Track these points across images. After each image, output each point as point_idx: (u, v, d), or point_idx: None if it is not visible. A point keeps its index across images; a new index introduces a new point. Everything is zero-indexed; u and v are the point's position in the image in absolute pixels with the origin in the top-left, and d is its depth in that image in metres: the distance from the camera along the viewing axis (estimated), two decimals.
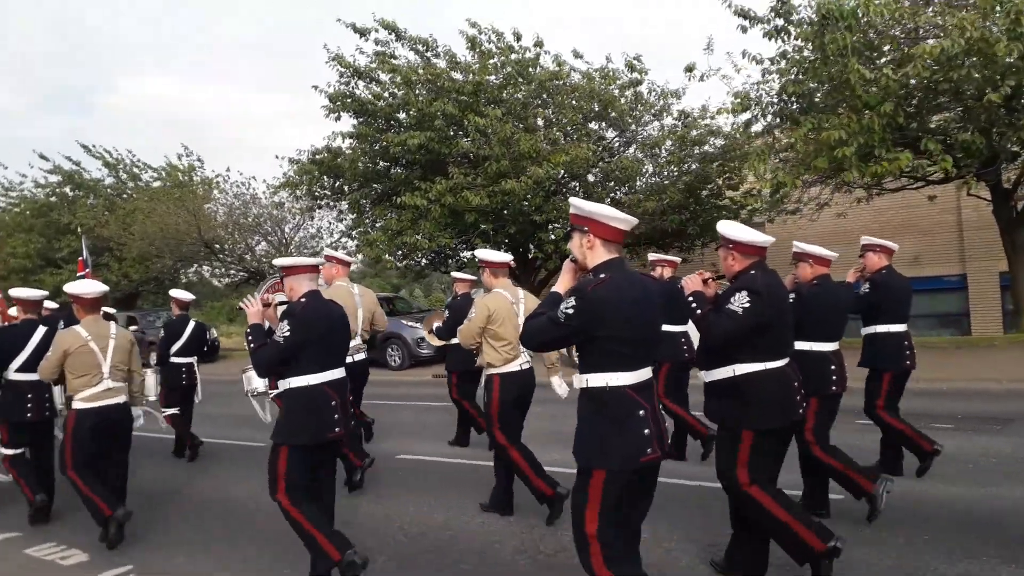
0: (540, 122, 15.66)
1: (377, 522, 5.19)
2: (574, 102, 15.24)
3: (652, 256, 6.96)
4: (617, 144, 16.60)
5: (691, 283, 3.73)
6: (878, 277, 5.39)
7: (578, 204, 2.98)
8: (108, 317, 5.51)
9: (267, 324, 4.18)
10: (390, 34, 15.37)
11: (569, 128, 15.55)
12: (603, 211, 2.90)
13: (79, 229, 22.24)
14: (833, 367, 4.54)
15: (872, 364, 5.43)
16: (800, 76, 10.73)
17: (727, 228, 3.70)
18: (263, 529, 4.95)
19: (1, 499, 6.08)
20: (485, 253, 5.36)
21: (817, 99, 10.89)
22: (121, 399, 5.05)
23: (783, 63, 10.98)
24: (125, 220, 24.14)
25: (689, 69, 15.30)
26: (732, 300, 3.45)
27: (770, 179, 10.85)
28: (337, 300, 5.21)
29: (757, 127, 12.91)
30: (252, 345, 3.99)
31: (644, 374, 2.85)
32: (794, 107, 11.28)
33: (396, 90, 15.04)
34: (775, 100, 11.83)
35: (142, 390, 5.50)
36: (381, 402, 10.55)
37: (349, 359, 5.71)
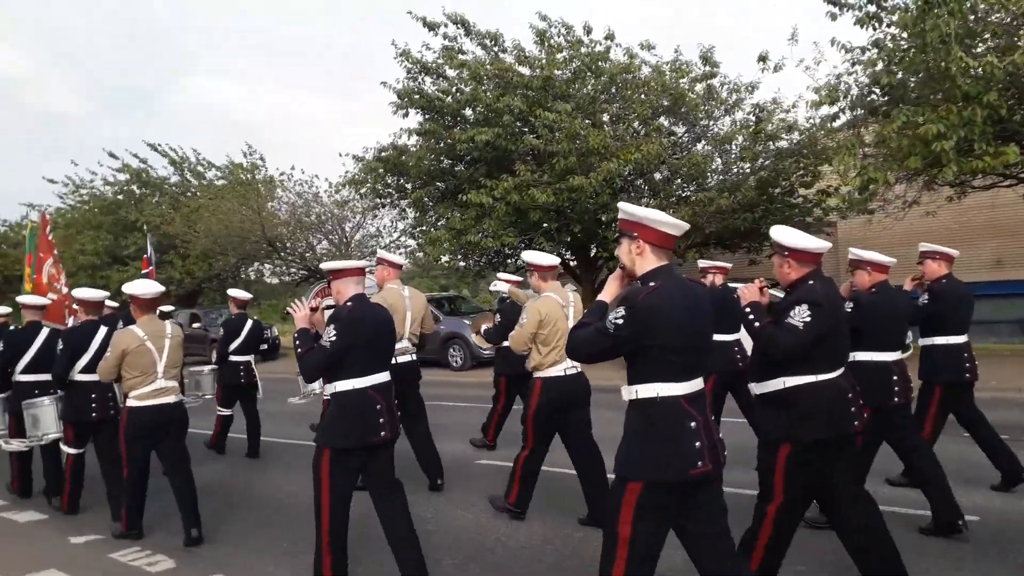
0: (606, 117, 15.33)
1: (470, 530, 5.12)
2: (643, 96, 14.86)
3: (702, 263, 6.80)
4: (686, 140, 16.13)
5: (748, 293, 3.64)
6: (937, 286, 5.20)
7: (628, 209, 2.92)
8: (164, 316, 5.56)
9: (314, 329, 4.16)
10: (459, 28, 15.22)
11: (637, 123, 15.16)
12: (653, 216, 2.83)
13: (145, 227, 22.63)
14: (895, 377, 4.44)
15: (929, 377, 5.23)
16: (893, 66, 10.16)
17: (782, 234, 3.56)
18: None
19: (85, 499, 6.03)
20: (533, 255, 5.25)
21: (910, 90, 10.29)
22: (173, 398, 5.09)
23: (876, 52, 10.42)
24: (190, 217, 24.50)
25: (762, 59, 14.74)
26: (792, 313, 3.35)
27: (858, 175, 10.27)
28: (388, 302, 5.32)
29: (841, 120, 12.32)
30: (299, 350, 3.98)
31: (695, 384, 2.77)
32: (885, 98, 10.70)
33: (464, 86, 14.84)
34: (864, 91, 11.25)
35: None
36: (443, 403, 10.42)
37: (393, 360, 5.87)
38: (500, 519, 5.23)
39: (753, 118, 15.03)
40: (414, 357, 6.22)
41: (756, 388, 3.63)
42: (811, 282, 3.45)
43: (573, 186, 13.70)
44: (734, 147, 15.66)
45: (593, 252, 16.67)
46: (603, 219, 14.60)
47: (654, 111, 14.86)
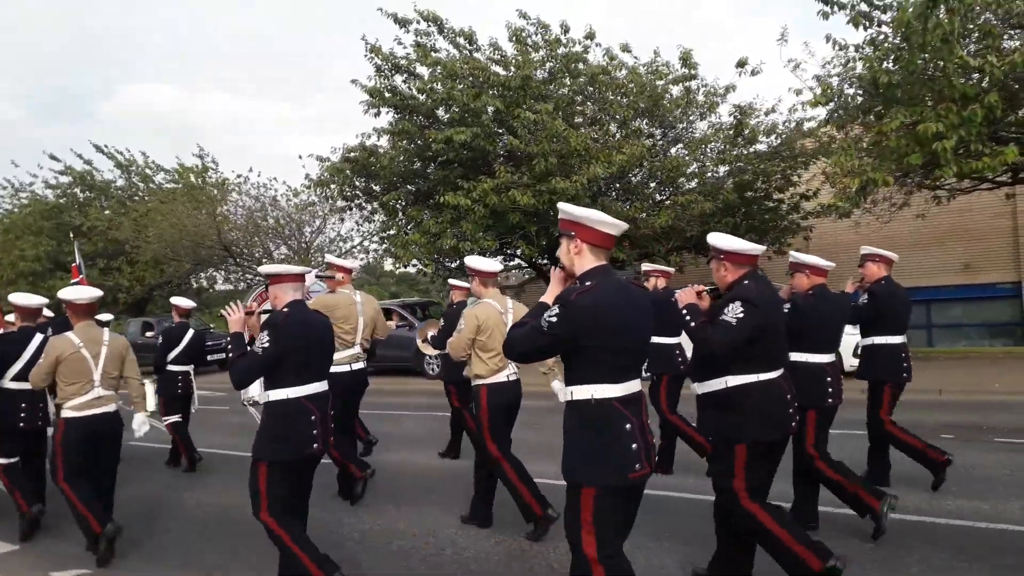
0: (580, 120, 15.00)
1: (374, 536, 5.11)
2: (622, 98, 14.56)
3: (645, 266, 6.83)
4: (663, 143, 15.89)
5: (685, 296, 3.76)
6: (877, 287, 5.38)
7: (566, 209, 2.90)
8: (101, 325, 5.35)
9: (250, 333, 4.07)
10: (431, 25, 14.68)
11: (614, 126, 14.87)
12: (592, 216, 2.82)
13: (71, 235, 21.37)
14: (829, 379, 4.52)
15: (870, 376, 5.43)
16: (888, 64, 10.01)
17: (717, 239, 3.65)
18: (260, 544, 4.48)
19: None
20: (475, 261, 5.21)
21: (905, 89, 10.15)
22: (111, 408, 4.96)
23: (871, 50, 10.26)
24: (139, 222, 23.39)
25: (741, 64, 14.67)
26: (726, 311, 3.42)
27: (857, 176, 10.08)
28: (339, 308, 5.38)
29: (827, 119, 12.19)
30: (231, 355, 3.87)
31: (632, 386, 2.76)
32: (879, 98, 10.55)
33: (438, 84, 14.29)
34: (857, 90, 11.12)
35: (143, 396, 5.40)
36: (418, 412, 10.20)
37: (347, 368, 5.79)
38: (456, 528, 5.18)
39: (733, 120, 14.83)
40: (364, 364, 6.16)
41: (698, 388, 3.68)
42: (746, 282, 3.53)
43: (555, 188, 13.30)
44: (710, 150, 15.50)
45: None
46: None
47: (635, 112, 14.56)
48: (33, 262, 24.75)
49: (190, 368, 7.91)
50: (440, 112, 14.94)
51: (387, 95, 14.59)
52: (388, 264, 19.67)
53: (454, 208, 13.97)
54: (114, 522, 4.78)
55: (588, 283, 2.76)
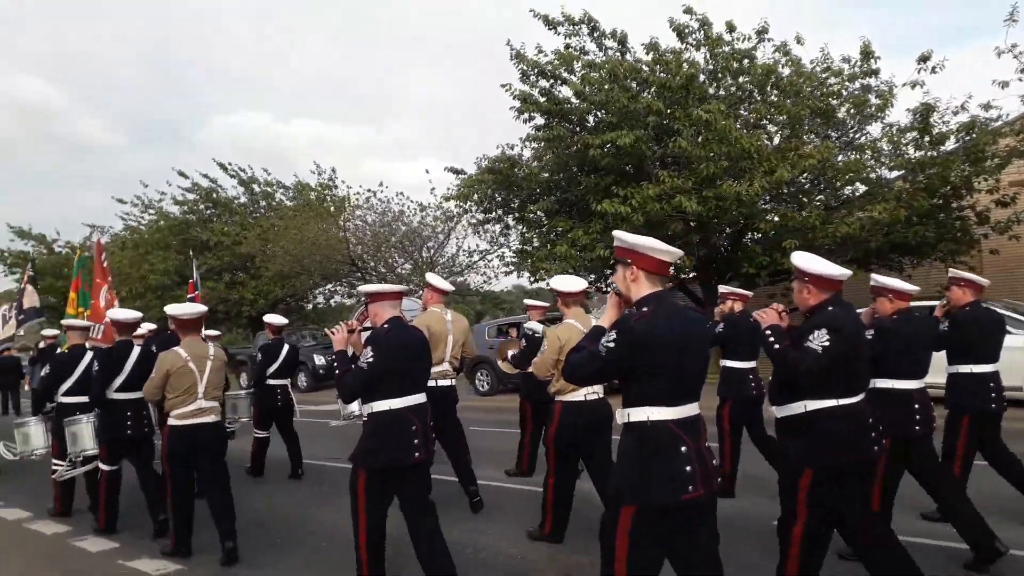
0: (738, 124, 13.93)
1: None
2: (789, 98, 13.45)
3: (723, 288, 6.75)
4: (837, 145, 14.62)
5: (768, 316, 3.70)
6: (960, 314, 5.18)
7: (621, 236, 2.97)
8: (205, 339, 5.72)
9: (351, 351, 4.24)
10: (582, 27, 13.95)
11: (773, 127, 13.77)
12: (647, 243, 2.88)
13: (190, 252, 21.50)
14: (917, 406, 4.43)
15: (951, 405, 5.18)
16: None
17: (802, 260, 3.62)
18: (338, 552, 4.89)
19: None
20: (560, 281, 5.30)
21: None
22: (212, 418, 5.18)
23: None
24: (263, 236, 23.50)
25: (923, 59, 13.36)
26: (812, 337, 3.40)
27: None
28: (430, 326, 5.64)
29: None
30: (338, 371, 4.07)
31: (688, 409, 2.80)
32: None
33: (594, 87, 13.48)
34: None
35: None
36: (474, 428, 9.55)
37: (432, 383, 5.56)
38: (538, 547, 5.17)
39: (919, 118, 13.45)
40: (453, 382, 6.28)
41: (776, 412, 3.64)
42: (830, 308, 3.50)
43: (722, 194, 12.30)
44: (885, 153, 14.14)
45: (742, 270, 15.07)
46: (752, 231, 13.19)
47: (812, 113, 13.39)
48: (162, 276, 25.20)
49: (287, 381, 8.33)
50: (590, 118, 14.16)
51: (541, 100, 13.86)
52: (503, 279, 18.78)
53: (602, 218, 13.16)
54: (229, 545, 5.02)
55: (645, 309, 2.81)
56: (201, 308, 5.48)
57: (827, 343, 3.34)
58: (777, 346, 3.56)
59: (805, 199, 13.79)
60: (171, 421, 5.10)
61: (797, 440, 3.51)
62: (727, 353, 6.26)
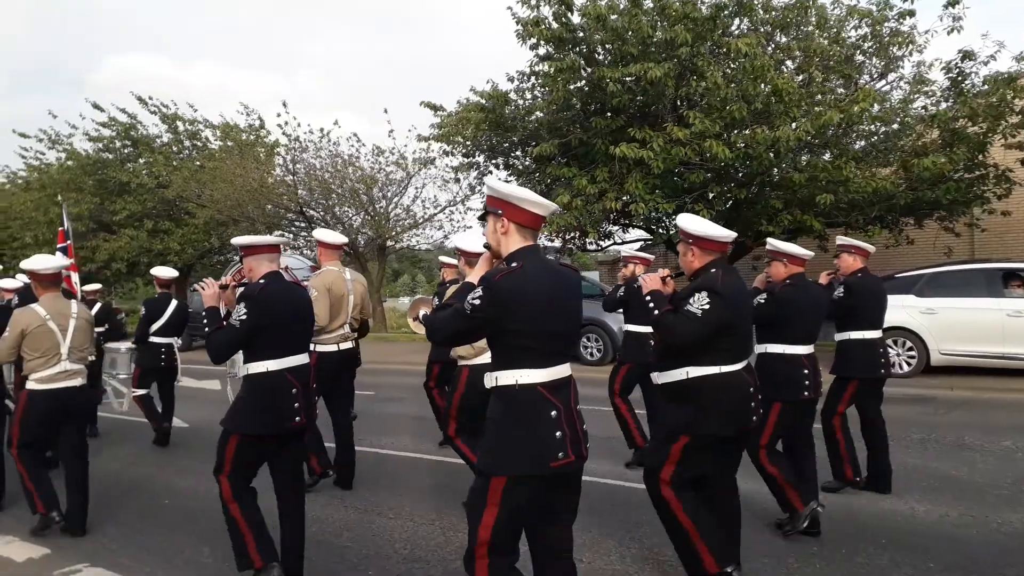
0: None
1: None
2: (830, 36, 12.23)
3: (625, 252, 6.69)
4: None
5: (649, 281, 3.69)
6: (853, 280, 5.29)
7: (493, 184, 2.84)
8: (69, 296, 5.31)
9: (224, 308, 3.96)
10: None
11: (817, 68, 12.51)
12: (519, 193, 2.75)
13: (58, 196, 18.66)
14: (806, 371, 4.44)
15: (843, 372, 5.31)
16: None
17: (688, 222, 3.59)
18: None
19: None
20: (462, 240, 5.33)
21: None
22: (78, 382, 4.91)
23: None
24: (192, 179, 20.88)
25: (952, 3, 12.31)
26: (691, 301, 3.36)
27: None
28: (331, 286, 5.55)
29: None
30: (208, 329, 3.80)
31: (559, 371, 2.70)
32: None
33: (607, 15, 11.82)
34: None
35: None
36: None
37: (334, 347, 5.70)
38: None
39: (955, 67, 12.43)
40: (354, 344, 6.05)
41: (658, 378, 3.61)
42: (713, 270, 3.47)
43: (755, 139, 11.00)
44: (918, 101, 13.10)
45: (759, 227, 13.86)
46: (771, 185, 11.95)
47: (847, 54, 12.17)
48: (74, 221, 22.18)
49: (173, 340, 7.81)
50: (600, 50, 12.53)
51: (553, 25, 12.08)
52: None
53: (607, 163, 11.66)
54: (60, 513, 4.81)
55: (514, 264, 2.67)
56: (61, 261, 5.12)
57: (707, 307, 3.31)
58: (656, 312, 3.51)
59: (835, 149, 12.59)
60: (30, 384, 4.76)
61: (676, 408, 3.49)
62: (629, 318, 6.25)
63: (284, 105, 19.23)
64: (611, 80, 11.40)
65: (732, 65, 11.62)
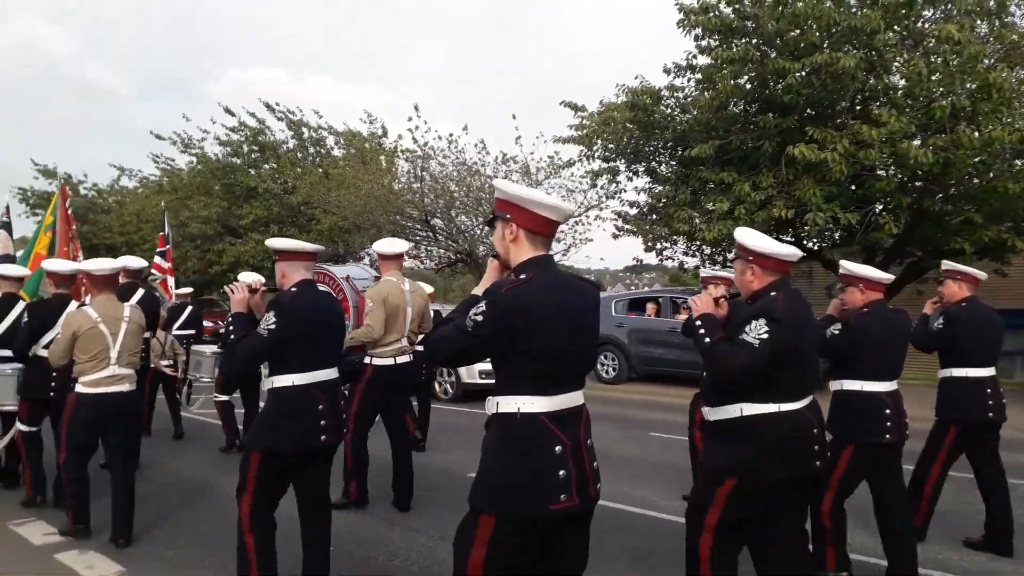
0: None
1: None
2: None
3: (704, 273, 6.17)
4: None
5: (700, 304, 3.32)
6: (955, 310, 4.77)
7: (501, 186, 2.54)
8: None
9: (251, 314, 3.80)
10: None
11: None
12: (530, 196, 2.47)
13: (162, 204, 19.40)
14: (888, 411, 3.98)
15: (939, 412, 4.81)
16: None
17: (746, 236, 3.25)
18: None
19: None
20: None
21: None
22: (127, 387, 4.79)
23: None
24: (318, 186, 20.66)
25: None
26: (748, 329, 2.99)
27: None
28: (387, 297, 5.45)
29: None
30: (233, 335, 3.61)
31: (568, 400, 2.39)
32: None
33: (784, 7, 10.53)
34: None
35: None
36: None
37: (391, 361, 5.51)
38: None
39: None
40: (412, 357, 5.77)
41: (709, 414, 3.27)
42: (773, 293, 3.12)
43: (959, 142, 9.44)
44: None
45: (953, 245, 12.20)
46: (979, 195, 10.30)
47: None
48: (203, 224, 22.49)
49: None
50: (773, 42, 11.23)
51: (723, 10, 10.88)
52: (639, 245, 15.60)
53: (772, 168, 10.27)
54: (88, 527, 4.81)
55: (523, 276, 2.39)
56: (116, 263, 5.03)
57: (765, 335, 2.93)
58: (708, 339, 3.15)
59: None
60: (79, 388, 4.69)
61: (727, 446, 3.13)
62: None
63: (416, 109, 18.57)
64: (790, 72, 10.09)
65: (932, 56, 10.11)
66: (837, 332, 4.08)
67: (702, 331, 3.19)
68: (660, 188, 13.70)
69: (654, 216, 13.89)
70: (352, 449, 5.52)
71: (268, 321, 3.53)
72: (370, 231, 19.04)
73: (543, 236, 2.49)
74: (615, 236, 15.76)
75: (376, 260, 5.82)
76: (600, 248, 77.59)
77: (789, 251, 3.20)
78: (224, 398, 7.47)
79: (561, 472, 2.31)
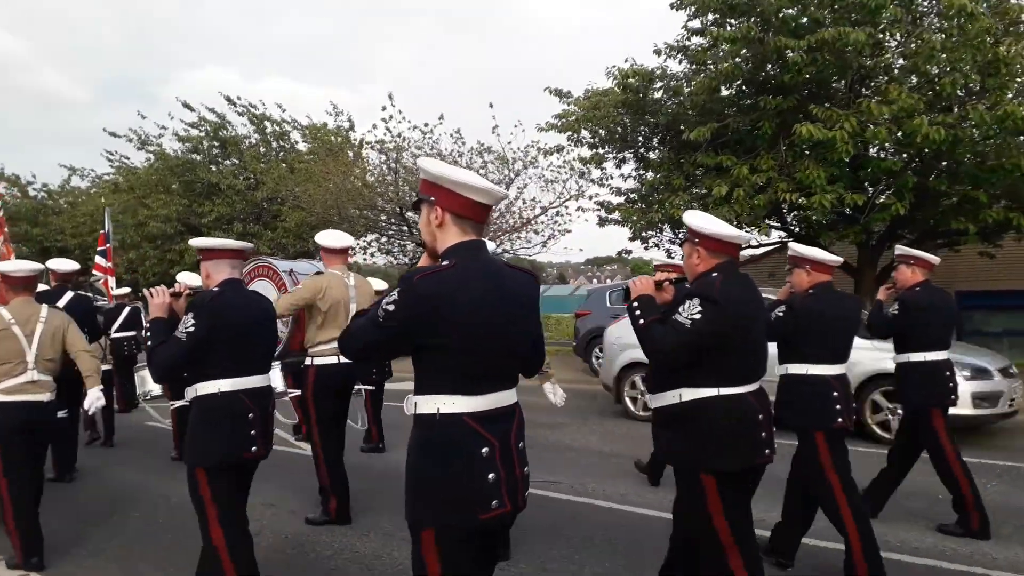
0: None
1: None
2: None
3: (657, 261, 6.25)
4: None
5: (640, 285, 3.19)
6: (909, 296, 4.80)
7: (426, 166, 2.28)
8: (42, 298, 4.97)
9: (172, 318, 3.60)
10: None
11: None
12: (456, 176, 2.22)
13: (102, 200, 18.58)
14: (836, 394, 3.92)
15: (914, 400, 4.80)
16: None
17: (694, 218, 3.16)
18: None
19: None
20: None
21: None
22: (45, 396, 4.45)
23: None
24: (295, 179, 19.80)
25: None
26: (680, 309, 2.90)
27: None
28: (328, 290, 5.13)
29: None
30: (151, 344, 3.42)
31: (496, 399, 2.18)
32: None
33: None
34: None
35: (96, 370, 4.73)
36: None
37: (334, 359, 5.09)
38: None
39: None
40: None
41: (651, 401, 3.18)
42: (713, 275, 3.01)
43: (966, 117, 9.14)
44: None
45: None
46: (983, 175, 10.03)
47: None
48: (163, 223, 21.45)
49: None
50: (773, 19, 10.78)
51: None
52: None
53: (771, 150, 9.87)
54: (42, 561, 4.37)
55: (446, 262, 2.15)
56: (36, 265, 4.74)
57: (697, 315, 2.83)
58: (642, 320, 3.03)
59: None
60: None
61: (678, 439, 3.00)
62: None
63: (391, 98, 17.80)
64: (794, 50, 9.66)
65: (938, 32, 9.77)
66: (781, 314, 4.02)
67: (637, 312, 3.08)
68: (650, 175, 13.20)
69: (642, 205, 13.39)
70: (324, 461, 5.09)
71: (186, 324, 3.30)
72: (341, 225, 18.28)
73: (472, 221, 2.25)
74: (600, 224, 15.26)
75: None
76: (574, 240, 76.75)
77: (736, 233, 3.11)
78: (181, 403, 7.07)
79: (490, 475, 2.12)
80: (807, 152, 10.71)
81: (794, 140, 9.94)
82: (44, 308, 4.61)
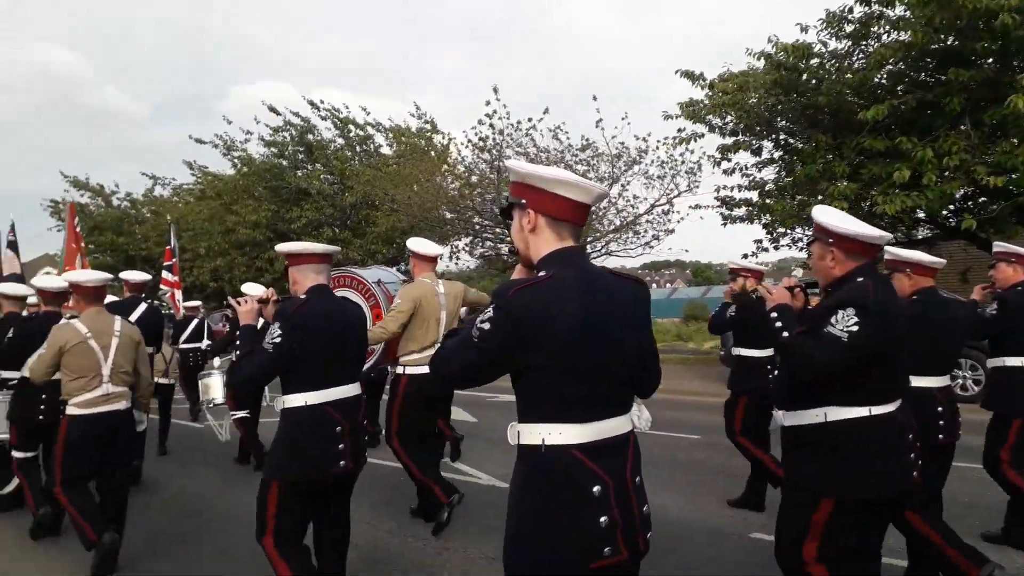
0: None
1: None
2: None
3: (732, 264, 5.71)
4: None
5: (776, 294, 2.97)
6: (1011, 295, 4.51)
7: (514, 167, 2.06)
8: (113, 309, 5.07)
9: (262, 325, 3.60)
10: None
11: None
12: (546, 172, 1.98)
13: (168, 217, 19.09)
14: (940, 409, 3.68)
15: (998, 407, 4.51)
16: None
17: (824, 215, 2.83)
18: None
19: None
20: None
21: None
22: (122, 405, 4.54)
23: None
24: (392, 181, 19.03)
25: None
26: (833, 320, 2.58)
27: None
28: (420, 299, 5.04)
29: None
30: (239, 352, 3.38)
31: (608, 427, 1.93)
32: None
33: None
34: None
35: (149, 395, 5.09)
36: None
37: (426, 369, 4.66)
38: None
39: None
40: None
41: (786, 419, 2.85)
42: (860, 279, 2.69)
43: None
44: None
45: None
46: None
47: None
48: (251, 229, 20.94)
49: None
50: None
51: None
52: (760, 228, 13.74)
53: (951, 129, 8.86)
54: (113, 531, 4.33)
55: (541, 274, 1.95)
56: (105, 275, 4.71)
57: (854, 328, 2.53)
58: (785, 333, 2.77)
59: None
60: (70, 409, 4.38)
61: (811, 459, 2.71)
62: (740, 340, 5.39)
63: (495, 91, 16.73)
64: (1002, 11, 8.38)
65: None
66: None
67: (779, 324, 2.83)
68: (799, 164, 11.97)
69: (787, 196, 12.15)
70: (411, 459, 4.99)
71: (272, 335, 3.20)
72: (434, 228, 17.42)
73: (569, 224, 2.00)
74: (723, 224, 14.04)
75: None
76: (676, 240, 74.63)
77: (878, 233, 2.78)
78: (242, 414, 7.05)
79: (603, 519, 1.85)
80: (998, 132, 9.40)
81: (982, 118, 8.67)
82: (118, 321, 4.63)
